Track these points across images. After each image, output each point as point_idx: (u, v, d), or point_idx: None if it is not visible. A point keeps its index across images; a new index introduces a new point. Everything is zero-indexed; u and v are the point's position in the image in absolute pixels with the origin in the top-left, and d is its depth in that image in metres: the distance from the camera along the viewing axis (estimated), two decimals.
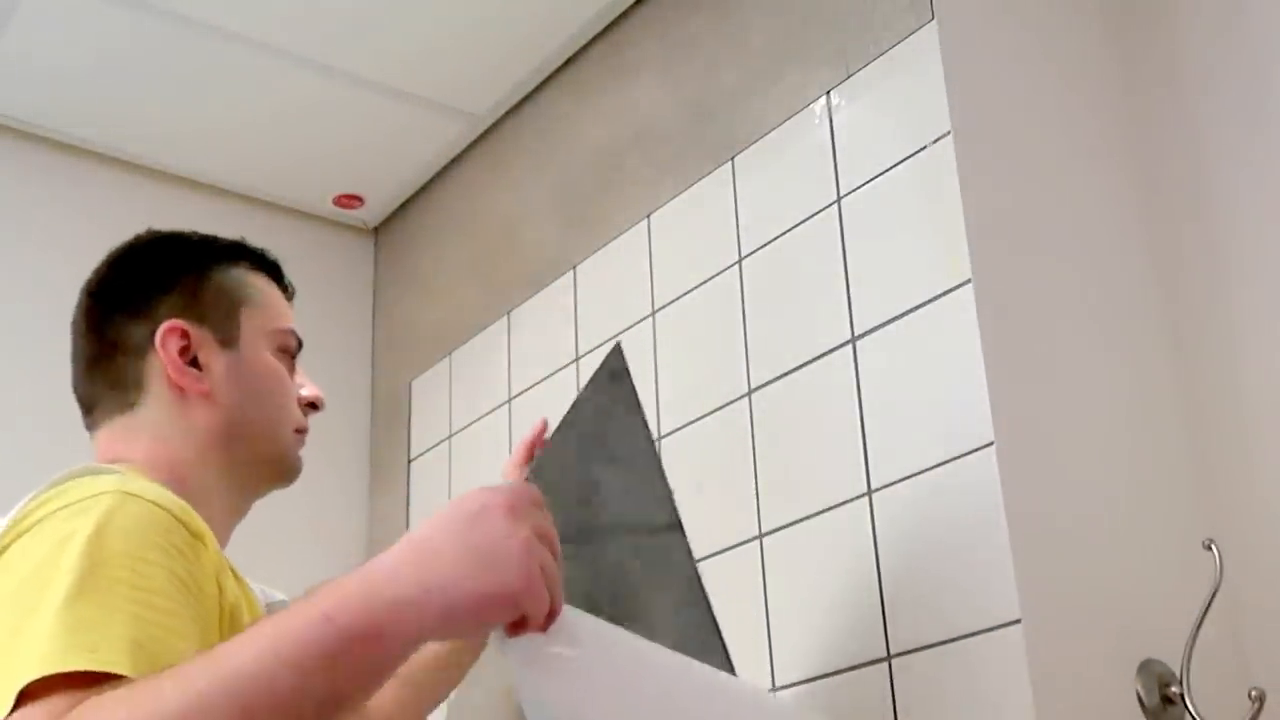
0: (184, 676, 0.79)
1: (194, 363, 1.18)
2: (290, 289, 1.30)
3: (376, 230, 2.37)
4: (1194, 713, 1.16)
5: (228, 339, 1.20)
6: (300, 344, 1.27)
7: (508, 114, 2.08)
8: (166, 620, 0.88)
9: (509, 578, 0.85)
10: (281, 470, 1.23)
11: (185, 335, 1.17)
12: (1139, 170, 1.45)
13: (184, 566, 0.92)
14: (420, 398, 2.12)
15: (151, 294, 1.19)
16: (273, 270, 1.28)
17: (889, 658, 1.26)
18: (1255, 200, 1.37)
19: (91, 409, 1.19)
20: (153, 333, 1.17)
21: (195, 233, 1.25)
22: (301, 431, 1.24)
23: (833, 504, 1.35)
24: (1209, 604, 1.20)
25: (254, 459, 1.20)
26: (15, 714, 0.81)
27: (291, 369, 1.26)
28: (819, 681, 1.32)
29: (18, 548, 0.93)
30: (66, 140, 2.07)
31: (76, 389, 1.20)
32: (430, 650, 1.32)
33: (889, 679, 1.25)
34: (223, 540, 1.14)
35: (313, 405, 1.26)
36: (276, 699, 0.79)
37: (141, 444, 1.15)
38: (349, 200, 2.27)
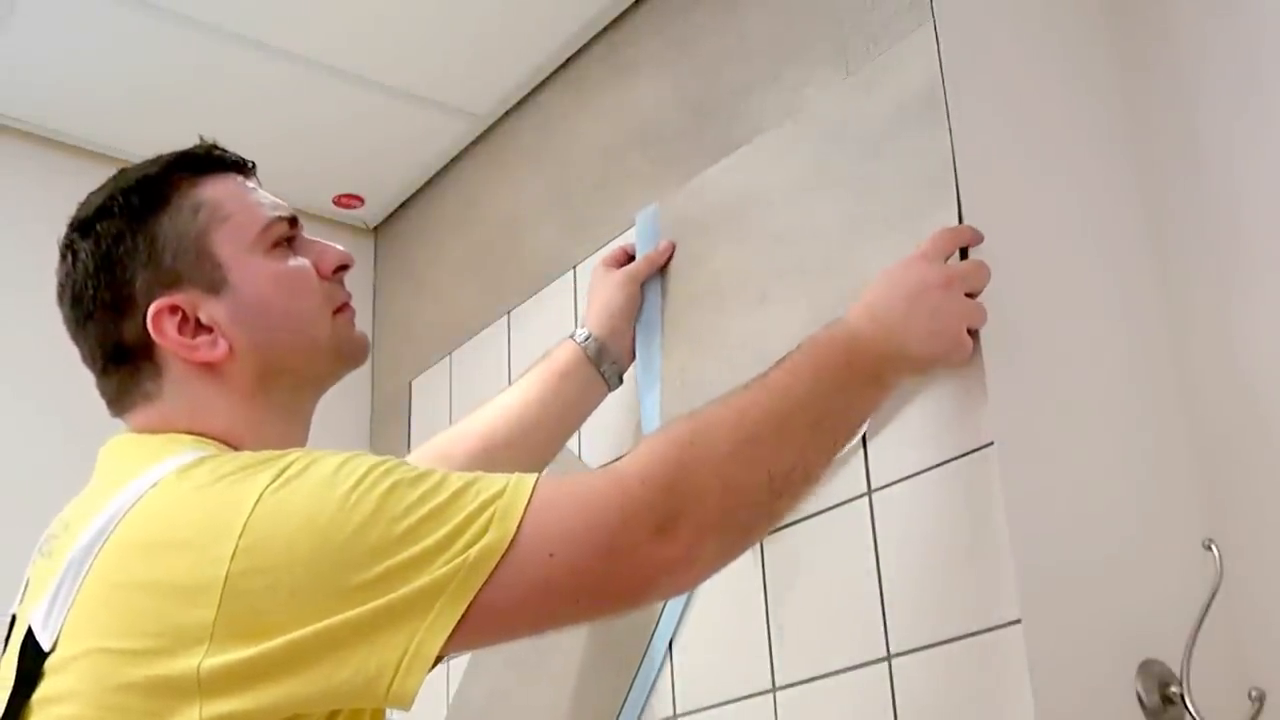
0: (755, 400, 1.05)
1: (199, 325, 1.10)
2: (242, 162, 1.16)
3: (376, 230, 2.37)
4: (1194, 713, 1.16)
5: (214, 283, 1.10)
6: (294, 219, 1.16)
7: (508, 114, 2.07)
8: None
9: (948, 344, 1.18)
10: (342, 359, 1.17)
11: (175, 309, 1.09)
12: (1140, 168, 1.45)
13: None
14: (420, 397, 2.12)
15: (119, 287, 1.10)
16: (213, 164, 1.15)
17: (889, 658, 1.26)
18: (1258, 197, 1.36)
19: (114, 401, 1.14)
20: (144, 322, 1.09)
21: (113, 192, 1.13)
22: (342, 308, 1.18)
23: (833, 504, 1.35)
24: (1209, 604, 1.20)
25: (306, 373, 1.14)
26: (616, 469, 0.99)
27: (296, 247, 1.16)
28: (819, 681, 1.32)
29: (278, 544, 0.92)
30: (67, 140, 2.07)
31: (97, 386, 1.15)
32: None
33: (889, 679, 1.25)
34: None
35: (342, 268, 1.18)
36: (817, 414, 1.08)
37: (181, 423, 1.09)
38: (349, 200, 2.27)
